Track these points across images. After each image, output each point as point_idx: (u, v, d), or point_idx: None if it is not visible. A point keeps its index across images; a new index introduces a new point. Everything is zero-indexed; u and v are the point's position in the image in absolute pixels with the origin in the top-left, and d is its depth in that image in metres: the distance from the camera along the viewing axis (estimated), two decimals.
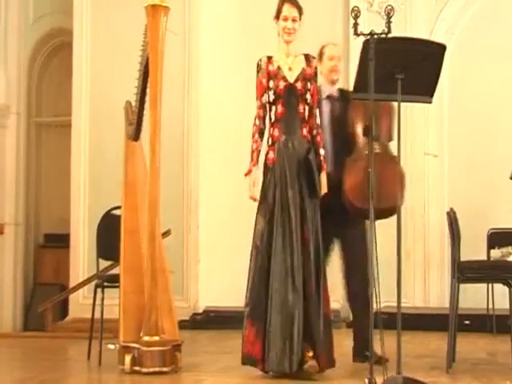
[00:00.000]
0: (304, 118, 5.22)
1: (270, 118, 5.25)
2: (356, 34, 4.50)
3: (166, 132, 5.61)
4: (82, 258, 8.41)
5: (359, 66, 4.63)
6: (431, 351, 6.01)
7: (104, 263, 6.23)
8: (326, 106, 5.60)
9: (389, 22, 4.52)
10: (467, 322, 6.21)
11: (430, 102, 4.94)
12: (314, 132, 5.26)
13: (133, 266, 5.63)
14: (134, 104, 5.96)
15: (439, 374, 5.20)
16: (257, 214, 5.20)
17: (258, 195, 5.18)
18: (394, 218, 4.70)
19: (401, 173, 5.20)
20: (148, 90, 5.65)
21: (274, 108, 5.21)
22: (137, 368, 5.20)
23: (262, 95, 5.24)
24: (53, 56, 10.43)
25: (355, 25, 4.48)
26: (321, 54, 5.62)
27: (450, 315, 5.50)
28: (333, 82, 5.68)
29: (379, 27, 4.52)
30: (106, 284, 5.94)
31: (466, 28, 8.75)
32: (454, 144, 8.71)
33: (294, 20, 5.19)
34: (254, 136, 5.27)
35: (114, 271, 6.00)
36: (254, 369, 5.03)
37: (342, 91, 5.73)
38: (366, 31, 4.48)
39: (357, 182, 5.21)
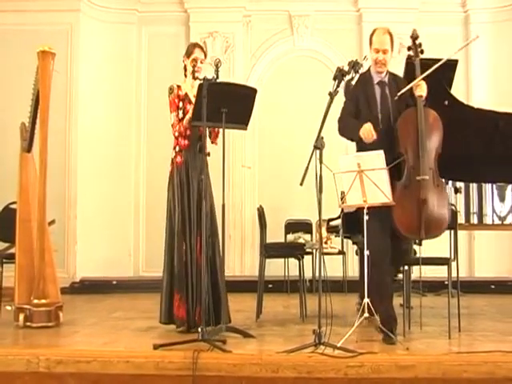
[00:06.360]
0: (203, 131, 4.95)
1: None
2: (193, 78, 4.49)
3: (51, 146, 5.43)
4: None
5: (195, 102, 4.65)
6: (245, 307, 6.07)
7: (3, 245, 6.00)
8: (377, 92, 4.76)
9: (217, 71, 4.53)
10: (270, 286, 6.31)
11: (246, 129, 5.00)
12: (211, 140, 5.04)
13: (25, 247, 5.41)
14: (27, 125, 5.71)
15: (251, 322, 5.32)
16: (167, 201, 4.95)
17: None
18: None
19: (447, 197, 4.55)
20: (38, 114, 5.44)
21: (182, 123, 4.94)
22: (28, 323, 5.07)
23: (176, 110, 4.96)
24: None
25: (193, 72, 4.47)
26: (370, 41, 4.81)
27: (259, 281, 5.65)
28: (378, 72, 4.78)
29: (210, 74, 4.53)
30: (4, 260, 5.74)
31: (271, 77, 8.97)
32: (263, 159, 8.88)
33: (201, 61, 5.00)
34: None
35: (11, 251, 5.75)
36: (121, 321, 4.89)
37: (391, 74, 4.84)
38: (201, 77, 4.50)
39: (407, 215, 4.40)
